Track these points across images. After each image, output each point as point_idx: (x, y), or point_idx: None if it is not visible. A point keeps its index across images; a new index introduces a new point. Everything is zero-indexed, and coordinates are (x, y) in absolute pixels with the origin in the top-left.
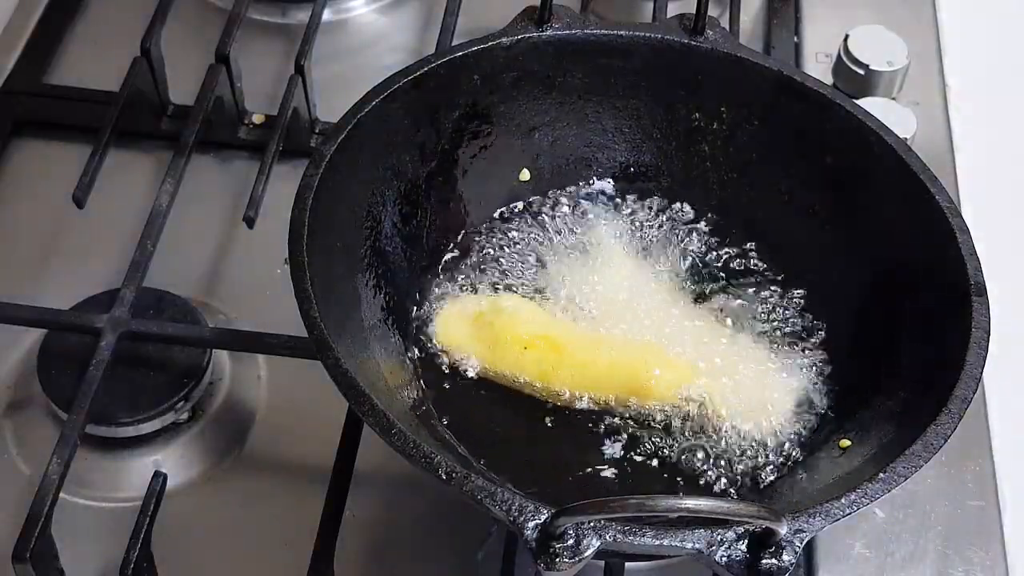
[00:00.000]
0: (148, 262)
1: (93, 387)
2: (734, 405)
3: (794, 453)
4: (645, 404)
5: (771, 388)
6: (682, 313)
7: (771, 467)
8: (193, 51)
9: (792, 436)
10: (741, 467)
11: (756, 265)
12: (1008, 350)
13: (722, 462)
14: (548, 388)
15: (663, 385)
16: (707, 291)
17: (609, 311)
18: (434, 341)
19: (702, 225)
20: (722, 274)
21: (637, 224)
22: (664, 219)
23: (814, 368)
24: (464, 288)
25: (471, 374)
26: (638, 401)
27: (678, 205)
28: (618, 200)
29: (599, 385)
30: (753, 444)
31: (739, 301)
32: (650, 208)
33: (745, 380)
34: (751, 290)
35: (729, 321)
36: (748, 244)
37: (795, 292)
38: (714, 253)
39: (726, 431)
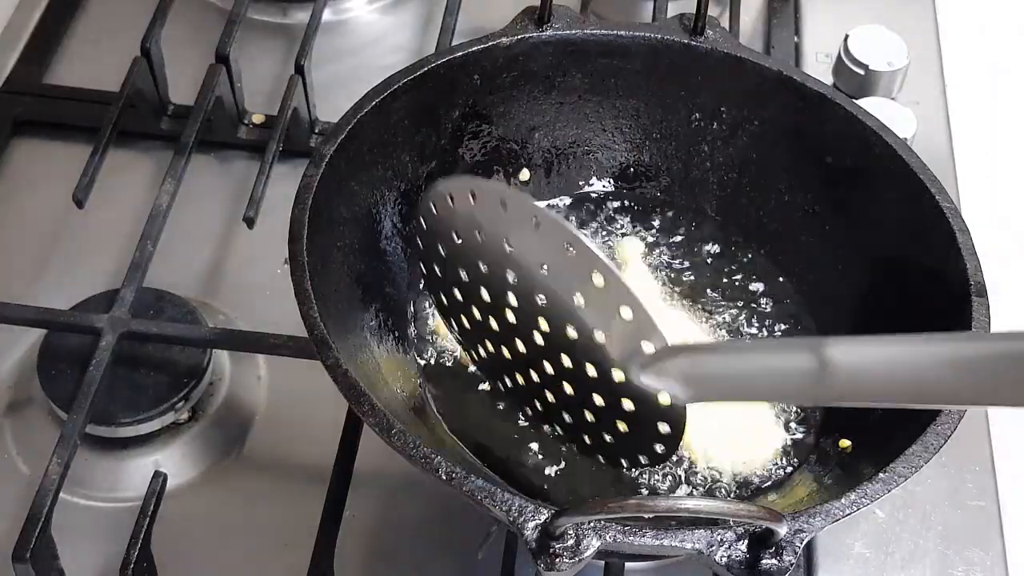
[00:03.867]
0: (148, 262)
1: (93, 387)
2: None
3: (793, 454)
4: None
5: None
6: (679, 317)
7: (771, 468)
8: (193, 51)
9: (791, 436)
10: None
11: (755, 265)
12: None
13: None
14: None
15: None
16: (707, 291)
17: None
18: (434, 342)
19: (702, 227)
20: (720, 275)
21: (636, 225)
22: (665, 219)
23: None
24: None
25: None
26: None
27: (679, 205)
28: (617, 203)
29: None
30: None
31: (736, 302)
32: (651, 207)
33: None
34: (750, 288)
35: (724, 324)
36: (748, 245)
37: (795, 292)
38: (713, 252)
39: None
